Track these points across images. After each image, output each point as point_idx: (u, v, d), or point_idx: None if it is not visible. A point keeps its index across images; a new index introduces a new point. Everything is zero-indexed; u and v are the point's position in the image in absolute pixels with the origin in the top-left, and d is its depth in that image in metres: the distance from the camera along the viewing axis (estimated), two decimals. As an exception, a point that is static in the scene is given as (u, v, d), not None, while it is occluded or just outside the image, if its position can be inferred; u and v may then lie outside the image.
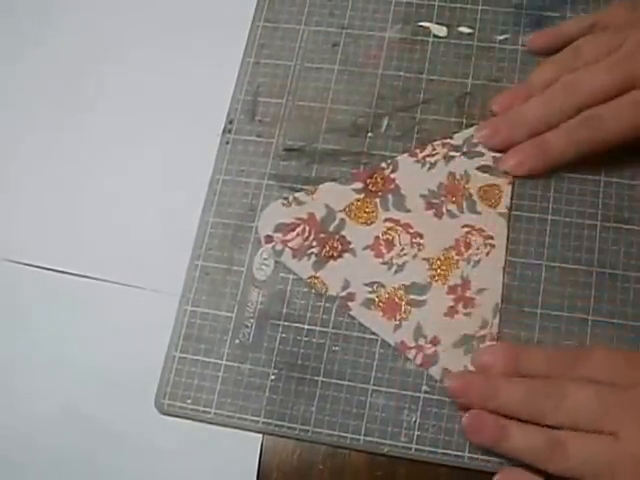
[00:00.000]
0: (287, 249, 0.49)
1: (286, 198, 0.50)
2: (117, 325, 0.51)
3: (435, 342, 0.47)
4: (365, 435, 0.46)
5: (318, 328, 0.48)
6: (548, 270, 0.48)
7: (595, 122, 0.47)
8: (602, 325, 0.47)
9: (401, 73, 0.54)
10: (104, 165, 0.55)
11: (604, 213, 0.49)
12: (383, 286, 0.48)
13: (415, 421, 0.46)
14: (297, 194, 0.50)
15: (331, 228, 0.50)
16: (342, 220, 0.50)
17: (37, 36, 0.59)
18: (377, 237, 0.49)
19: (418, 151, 0.51)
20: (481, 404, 0.44)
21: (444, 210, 0.50)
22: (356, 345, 0.48)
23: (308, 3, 0.57)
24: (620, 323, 0.47)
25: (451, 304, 0.48)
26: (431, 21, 0.55)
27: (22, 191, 0.55)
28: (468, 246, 0.49)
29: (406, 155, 0.51)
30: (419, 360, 0.47)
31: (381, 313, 0.48)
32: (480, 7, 0.55)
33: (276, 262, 0.50)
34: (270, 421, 0.47)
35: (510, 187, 0.50)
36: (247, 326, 0.49)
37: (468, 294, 0.48)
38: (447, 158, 0.51)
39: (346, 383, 0.47)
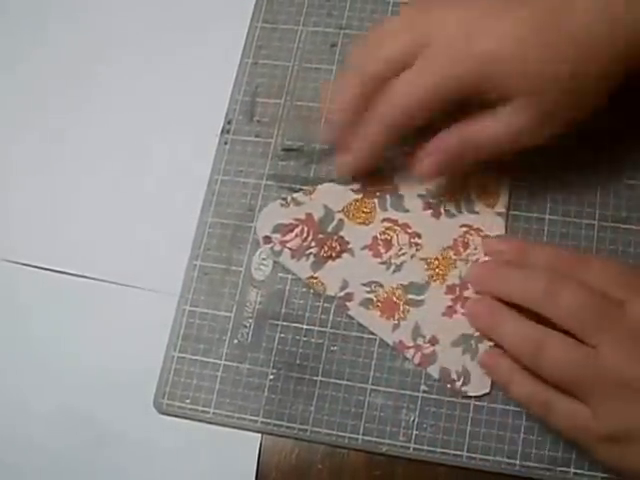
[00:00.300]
0: (286, 250, 0.49)
1: (284, 199, 0.50)
2: (116, 325, 0.51)
3: (433, 342, 0.47)
4: (364, 434, 0.46)
5: (316, 328, 0.49)
6: (546, 269, 0.48)
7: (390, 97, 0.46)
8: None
9: (399, 73, 0.54)
10: (103, 165, 0.55)
11: (602, 212, 0.49)
12: (381, 286, 0.48)
13: (413, 420, 0.46)
14: (295, 195, 0.50)
15: (329, 229, 0.50)
16: (340, 220, 0.50)
17: (33, 37, 0.60)
18: (375, 237, 0.49)
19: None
20: (490, 291, 0.46)
21: (442, 210, 0.50)
22: (354, 345, 0.48)
23: (306, 4, 0.57)
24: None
25: (449, 304, 0.48)
26: (429, 21, 0.55)
27: (20, 191, 0.55)
28: (466, 246, 0.49)
29: (404, 155, 0.51)
30: (417, 360, 0.47)
31: (379, 313, 0.48)
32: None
33: (274, 262, 0.50)
34: (269, 421, 0.47)
35: (508, 187, 0.50)
36: (246, 326, 0.49)
37: (466, 294, 0.48)
38: None
39: (344, 383, 0.47)
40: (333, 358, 0.48)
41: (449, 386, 0.46)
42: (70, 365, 0.51)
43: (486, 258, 0.48)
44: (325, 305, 0.49)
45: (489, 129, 0.45)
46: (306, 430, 0.47)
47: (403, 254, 0.49)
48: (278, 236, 0.50)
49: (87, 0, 0.60)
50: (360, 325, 0.48)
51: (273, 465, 0.47)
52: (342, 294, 0.48)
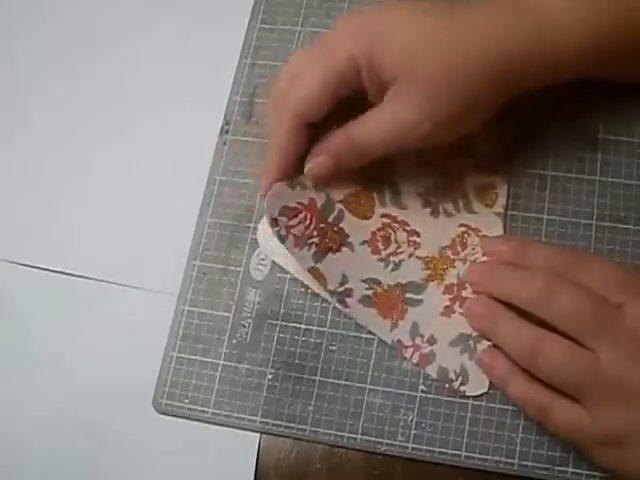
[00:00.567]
0: (290, 236, 0.48)
1: (291, 179, 0.49)
2: (114, 325, 0.51)
3: (432, 341, 0.47)
4: (362, 434, 0.46)
5: (315, 328, 0.49)
6: (544, 269, 0.48)
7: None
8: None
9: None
10: (102, 165, 0.55)
11: (600, 212, 0.49)
12: (379, 283, 0.48)
13: (412, 420, 0.46)
14: (301, 176, 0.49)
15: (330, 218, 0.49)
16: (341, 211, 0.49)
17: (32, 33, 0.60)
18: (374, 233, 0.49)
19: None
20: (488, 290, 0.46)
21: (441, 209, 0.50)
22: (353, 344, 0.48)
23: (305, 5, 0.57)
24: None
25: (447, 303, 0.48)
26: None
27: (19, 191, 0.55)
28: (464, 246, 0.49)
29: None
30: (416, 359, 0.47)
31: (378, 311, 0.48)
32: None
33: (273, 262, 0.50)
34: (267, 420, 0.47)
35: (506, 186, 0.50)
36: (244, 326, 0.49)
37: (464, 294, 0.48)
38: (444, 156, 0.50)
39: (343, 382, 0.47)
40: (332, 358, 0.48)
41: (447, 386, 0.46)
42: (69, 365, 0.51)
43: (485, 258, 0.48)
44: (323, 305, 0.49)
45: (372, 125, 0.46)
46: (305, 430, 0.47)
47: (401, 252, 0.49)
48: (284, 220, 0.48)
49: (86, 0, 0.60)
50: (358, 325, 0.48)
51: (272, 465, 0.47)
52: (342, 289, 0.48)
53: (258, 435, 0.48)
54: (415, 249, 0.49)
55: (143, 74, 0.57)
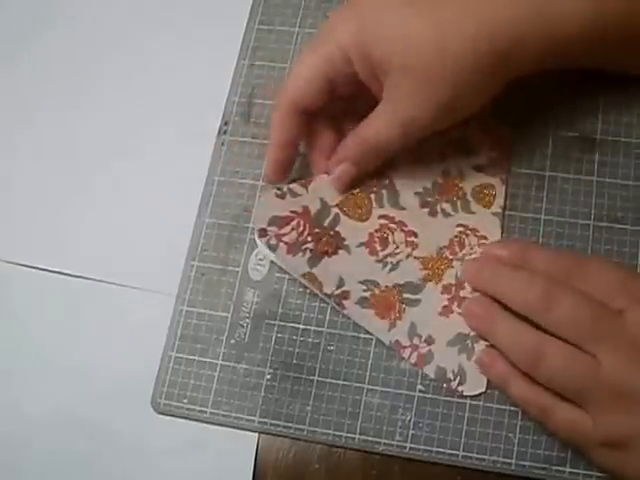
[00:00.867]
0: (282, 244, 0.49)
1: (280, 189, 0.49)
2: (113, 325, 0.51)
3: (430, 341, 0.47)
4: (360, 434, 0.46)
5: (313, 328, 0.49)
6: (542, 269, 0.48)
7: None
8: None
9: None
10: (100, 166, 0.55)
11: (597, 213, 0.49)
12: (377, 284, 0.48)
13: (410, 420, 0.46)
14: (292, 185, 0.50)
15: (325, 223, 0.49)
16: (337, 215, 0.50)
17: (34, 34, 0.60)
18: (372, 234, 0.49)
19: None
20: (485, 290, 0.46)
21: (438, 209, 0.50)
22: (351, 344, 0.48)
23: (302, 6, 0.57)
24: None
25: (445, 303, 0.48)
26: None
27: (18, 191, 0.55)
28: (462, 246, 0.49)
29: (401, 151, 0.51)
30: (414, 359, 0.47)
31: (375, 312, 0.48)
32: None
33: (271, 262, 0.50)
34: (266, 420, 0.47)
35: (504, 187, 0.50)
36: (243, 326, 0.49)
37: (462, 294, 0.48)
38: (442, 156, 0.51)
39: (341, 382, 0.47)
40: (330, 358, 0.48)
41: (445, 385, 0.46)
42: (68, 365, 0.51)
43: None
44: (322, 305, 0.49)
45: (379, 125, 0.46)
46: (303, 430, 0.47)
47: (399, 252, 0.49)
48: (274, 229, 0.49)
49: (83, 3, 0.60)
50: (356, 325, 0.48)
51: (270, 464, 0.47)
52: (338, 292, 0.48)
53: (256, 435, 0.48)
54: (413, 249, 0.49)
55: (142, 75, 0.57)
